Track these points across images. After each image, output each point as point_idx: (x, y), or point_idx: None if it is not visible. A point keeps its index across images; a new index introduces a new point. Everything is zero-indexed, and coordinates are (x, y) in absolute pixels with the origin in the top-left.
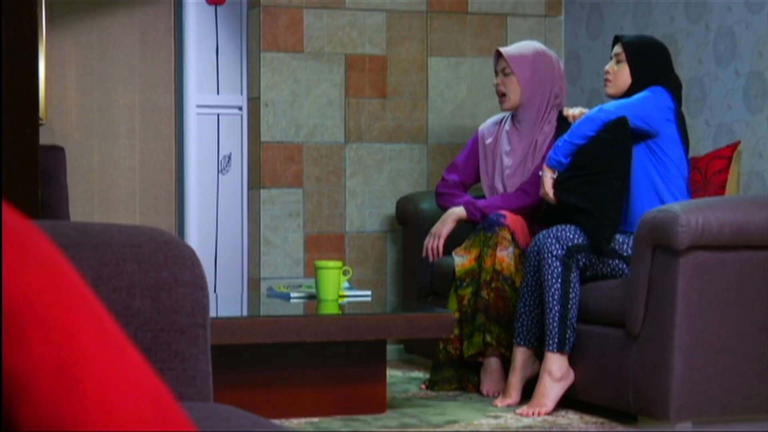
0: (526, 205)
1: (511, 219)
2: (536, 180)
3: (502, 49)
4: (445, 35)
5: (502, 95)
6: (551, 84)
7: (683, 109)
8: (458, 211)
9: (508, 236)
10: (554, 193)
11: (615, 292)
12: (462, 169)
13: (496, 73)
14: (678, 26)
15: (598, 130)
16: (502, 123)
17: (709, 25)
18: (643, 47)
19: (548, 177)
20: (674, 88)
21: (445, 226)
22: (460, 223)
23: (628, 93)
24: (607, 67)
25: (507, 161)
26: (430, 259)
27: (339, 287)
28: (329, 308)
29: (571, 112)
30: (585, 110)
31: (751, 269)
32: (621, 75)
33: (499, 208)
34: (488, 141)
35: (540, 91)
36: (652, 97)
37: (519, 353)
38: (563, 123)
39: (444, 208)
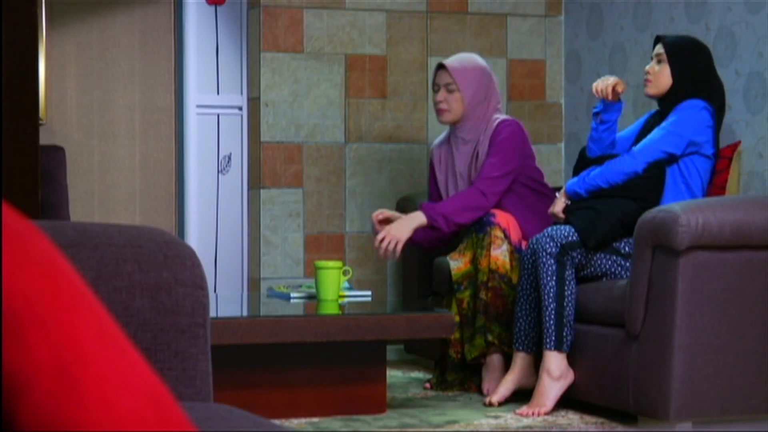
0: (483, 206)
1: (502, 216)
2: (494, 182)
3: (448, 64)
4: (445, 35)
5: (443, 111)
6: (490, 99)
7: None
8: (419, 219)
9: (501, 234)
10: (564, 210)
11: (615, 292)
12: (436, 194)
13: (436, 86)
14: (678, 26)
15: (626, 180)
16: (450, 135)
17: (709, 25)
18: (685, 48)
19: (561, 202)
20: (717, 92)
21: (404, 233)
22: (419, 228)
23: (669, 94)
24: (647, 68)
25: (459, 170)
26: (381, 256)
27: (339, 287)
28: (329, 308)
29: (601, 85)
30: (615, 82)
31: (751, 269)
32: (662, 76)
33: (457, 207)
34: (440, 155)
35: (480, 107)
36: (689, 120)
37: (519, 359)
38: (582, 157)
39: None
